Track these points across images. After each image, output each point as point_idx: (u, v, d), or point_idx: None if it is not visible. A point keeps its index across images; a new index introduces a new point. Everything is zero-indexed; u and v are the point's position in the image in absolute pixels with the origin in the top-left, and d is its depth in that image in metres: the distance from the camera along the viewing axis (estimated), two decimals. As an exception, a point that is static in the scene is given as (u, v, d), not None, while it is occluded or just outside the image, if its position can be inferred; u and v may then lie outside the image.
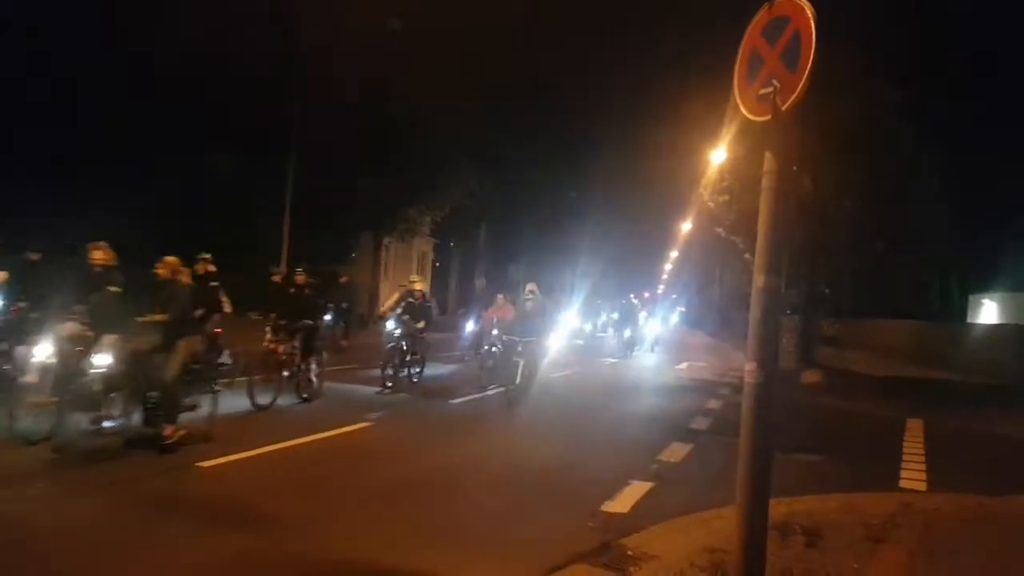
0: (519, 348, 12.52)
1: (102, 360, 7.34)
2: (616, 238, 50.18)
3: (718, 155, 20.68)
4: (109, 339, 7.47)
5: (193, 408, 8.10)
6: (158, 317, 7.69)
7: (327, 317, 18.83)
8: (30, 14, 19.27)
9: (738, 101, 4.14)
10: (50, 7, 19.64)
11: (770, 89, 3.87)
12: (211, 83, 21.61)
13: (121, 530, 5.36)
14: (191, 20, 20.02)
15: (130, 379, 7.49)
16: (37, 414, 7.38)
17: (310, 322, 11.31)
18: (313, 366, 11.34)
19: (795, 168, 4.19)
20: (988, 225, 31.26)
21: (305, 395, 11.11)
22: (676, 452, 9.22)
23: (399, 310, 13.46)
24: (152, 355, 7.74)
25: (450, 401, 12.51)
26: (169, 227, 21.27)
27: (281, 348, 10.85)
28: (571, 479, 7.60)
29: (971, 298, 35.46)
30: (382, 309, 13.76)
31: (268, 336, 11.03)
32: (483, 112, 30.38)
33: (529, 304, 13.26)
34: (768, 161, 3.98)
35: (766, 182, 3.99)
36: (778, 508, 5.40)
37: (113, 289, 8.00)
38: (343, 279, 20.32)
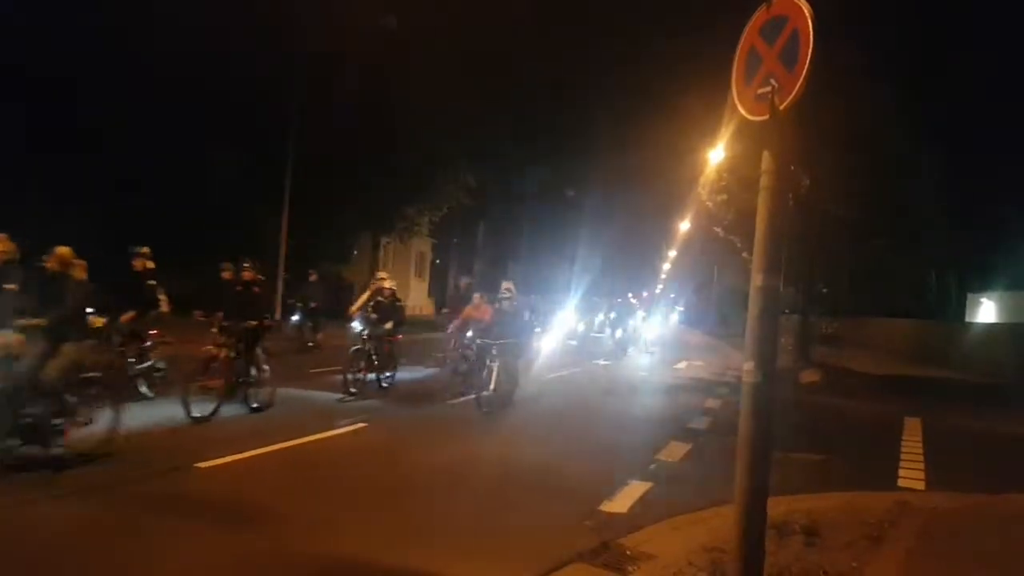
0: (493, 351, 11.56)
1: None
2: (615, 237, 50.23)
3: (716, 154, 20.72)
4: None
5: (87, 423, 7.06)
6: (35, 321, 6.65)
7: (294, 317, 18.81)
8: (29, 13, 19.25)
9: (736, 101, 4.14)
10: (49, 6, 19.62)
11: (768, 88, 3.87)
12: (210, 83, 21.58)
13: (121, 531, 5.35)
14: (191, 21, 20.00)
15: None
16: None
17: (254, 323, 10.04)
18: (261, 371, 10.23)
19: (793, 168, 4.19)
20: (986, 224, 31.25)
21: (255, 404, 10.05)
22: (674, 451, 9.23)
23: (368, 309, 12.59)
24: (33, 361, 6.71)
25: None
26: (168, 227, 21.25)
27: (223, 352, 9.70)
28: (569, 479, 7.60)
29: (969, 297, 35.44)
30: (352, 309, 12.80)
31: (214, 338, 9.91)
32: (481, 111, 30.39)
33: (506, 304, 12.50)
34: (766, 161, 3.98)
35: (764, 181, 3.99)
36: (776, 507, 5.40)
37: (8, 287, 7.05)
38: (312, 277, 19.25)
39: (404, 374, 13.65)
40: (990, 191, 29.19)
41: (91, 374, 7.29)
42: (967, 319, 33.91)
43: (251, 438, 8.23)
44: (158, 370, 10.47)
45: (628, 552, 5.29)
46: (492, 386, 11.28)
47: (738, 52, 4.15)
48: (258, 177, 24.10)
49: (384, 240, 33.39)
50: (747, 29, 4.12)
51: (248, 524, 5.69)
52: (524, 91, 34.96)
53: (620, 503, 6.75)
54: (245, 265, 10.41)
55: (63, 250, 7.17)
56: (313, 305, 18.50)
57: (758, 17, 4.07)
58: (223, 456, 7.36)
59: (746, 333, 4.09)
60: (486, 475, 7.73)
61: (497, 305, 12.71)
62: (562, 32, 33.23)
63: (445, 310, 25.48)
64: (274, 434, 8.45)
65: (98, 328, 8.68)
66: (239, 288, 10.40)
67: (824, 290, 25.81)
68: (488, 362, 11.53)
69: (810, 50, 3.72)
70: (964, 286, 35.42)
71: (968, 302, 35.33)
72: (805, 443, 9.61)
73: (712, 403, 13.80)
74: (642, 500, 6.89)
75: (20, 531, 5.22)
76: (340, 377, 11.74)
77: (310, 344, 18.05)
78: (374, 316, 12.43)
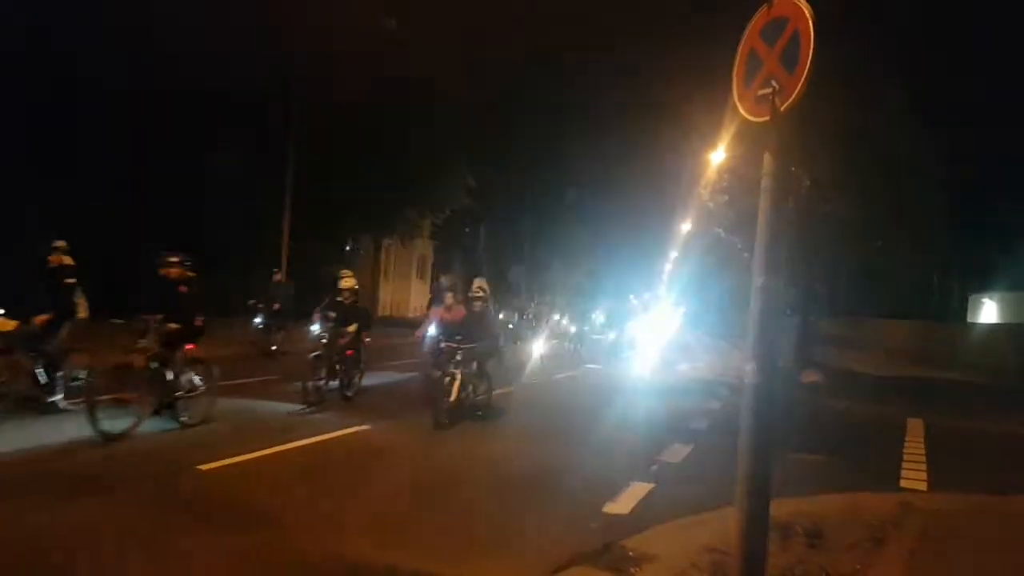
0: (457, 358, 10.42)
1: None
2: (616, 238, 50.23)
3: (717, 155, 20.74)
4: None
5: None
6: None
7: (256, 320, 17.24)
8: (29, 13, 19.28)
9: (737, 102, 4.15)
10: (49, 6, 19.65)
11: (769, 90, 3.87)
12: (210, 84, 21.59)
13: (123, 533, 5.34)
14: (191, 21, 20.00)
15: None
16: None
17: (175, 325, 8.71)
18: (194, 381, 9.14)
19: (794, 169, 4.21)
20: (988, 224, 31.26)
21: (184, 418, 8.86)
22: (676, 453, 9.22)
23: (327, 311, 11.68)
24: None
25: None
26: (169, 229, 21.27)
27: (140, 359, 8.49)
28: (570, 481, 7.59)
29: (971, 297, 35.45)
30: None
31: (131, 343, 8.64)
32: (482, 113, 30.43)
33: (477, 304, 11.20)
34: (767, 162, 3.99)
35: (765, 183, 3.99)
36: (779, 508, 5.40)
37: None
38: (276, 276, 17.95)
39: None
40: (992, 191, 29.20)
41: None
42: (969, 320, 33.92)
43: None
44: (76, 380, 9.36)
45: (631, 554, 5.29)
46: (452, 396, 10.13)
47: (738, 54, 4.16)
48: (259, 180, 24.13)
49: (386, 242, 33.44)
50: (748, 30, 4.13)
51: (249, 526, 5.69)
52: (525, 92, 35.01)
53: (622, 504, 6.75)
54: (171, 260, 9.02)
55: None
56: (276, 307, 17.30)
57: (759, 18, 4.07)
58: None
59: (747, 334, 4.09)
60: (487, 477, 7.73)
61: (467, 306, 11.59)
62: (563, 33, 33.25)
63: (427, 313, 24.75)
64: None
65: (6, 332, 8.25)
66: (166, 285, 8.99)
67: (825, 290, 25.78)
68: (450, 369, 10.39)
69: (811, 51, 3.72)
70: (966, 286, 35.43)
71: (970, 303, 35.33)
72: (807, 444, 9.60)
73: (713, 404, 13.79)
74: (644, 501, 6.88)
75: (21, 536, 5.20)
76: (299, 385, 10.77)
77: (274, 348, 16.93)
78: (332, 317, 11.51)
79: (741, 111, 4.10)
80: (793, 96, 3.78)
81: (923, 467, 9.03)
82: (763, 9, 4.04)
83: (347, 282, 12.03)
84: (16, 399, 8.90)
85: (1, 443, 7.42)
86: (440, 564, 5.12)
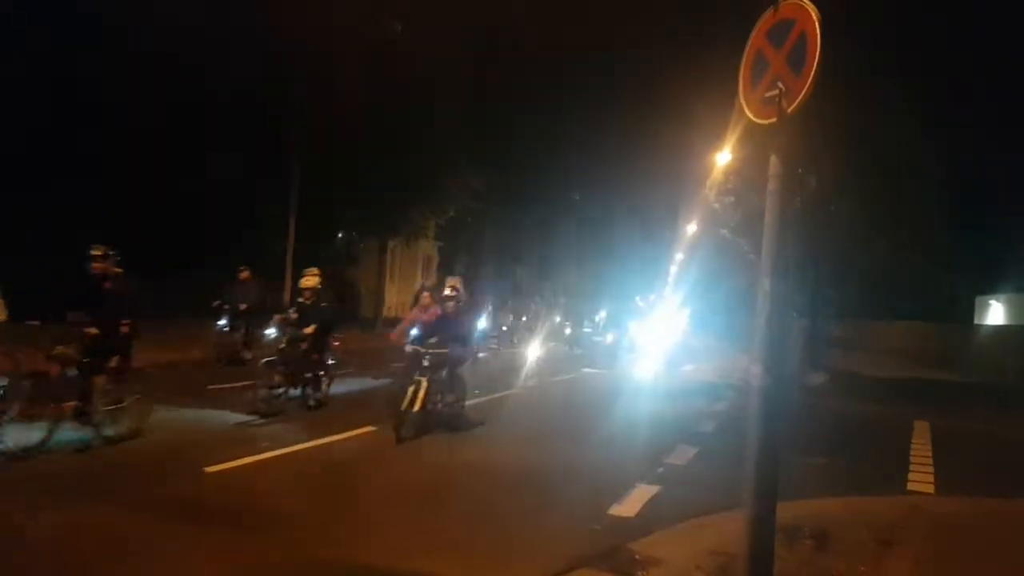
0: (424, 363, 9.57)
1: None
2: (622, 239, 50.16)
3: (723, 156, 20.72)
4: None
5: None
6: None
7: (220, 322, 15.55)
8: (28, 13, 19.35)
9: (743, 104, 4.13)
10: (49, 6, 19.72)
11: (775, 92, 3.86)
12: (213, 86, 21.64)
13: (133, 534, 5.36)
14: (190, 22, 20.03)
15: None
16: None
17: (94, 330, 7.74)
18: (121, 390, 8.16)
19: (800, 170, 4.19)
20: (995, 225, 31.16)
21: (109, 432, 7.91)
22: (683, 455, 9.20)
23: (291, 312, 10.92)
24: None
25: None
26: (173, 232, 21.32)
27: (56, 368, 7.63)
28: (576, 483, 7.58)
29: (978, 299, 35.29)
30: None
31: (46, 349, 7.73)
32: (486, 114, 30.43)
33: (449, 305, 10.37)
34: (773, 164, 3.97)
35: (772, 185, 3.98)
36: (785, 511, 5.38)
37: None
38: (242, 274, 15.82)
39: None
40: (998, 193, 29.11)
41: None
42: (976, 321, 33.77)
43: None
44: None
45: (636, 556, 5.28)
46: (416, 406, 9.18)
47: (745, 55, 4.15)
48: (264, 181, 24.16)
49: (390, 243, 33.46)
50: (754, 32, 4.12)
51: (257, 529, 5.69)
52: (529, 94, 35.00)
53: (628, 507, 6.74)
54: (94, 254, 8.00)
55: None
56: (243, 308, 15.33)
57: (765, 20, 4.06)
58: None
59: (754, 336, 4.08)
60: (493, 479, 7.72)
61: (441, 307, 10.66)
62: (568, 34, 33.23)
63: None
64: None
65: None
66: (90, 283, 8.05)
67: (831, 293, 25.73)
68: (415, 375, 9.45)
69: (818, 53, 3.71)
70: (973, 288, 35.27)
71: (977, 304, 35.17)
72: (814, 446, 9.58)
73: (719, 406, 13.76)
74: (650, 504, 6.87)
75: (31, 537, 5.23)
76: (255, 393, 9.93)
77: (248, 355, 15.05)
78: (294, 318, 10.71)
79: (747, 113, 4.09)
80: (800, 98, 3.77)
81: (930, 470, 9.00)
82: (770, 11, 4.03)
83: (307, 280, 11.09)
84: None
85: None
86: (445, 565, 5.12)
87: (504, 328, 25.84)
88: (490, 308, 26.89)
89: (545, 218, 45.18)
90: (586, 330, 29.69)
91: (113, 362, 8.02)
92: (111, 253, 8.07)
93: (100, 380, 7.86)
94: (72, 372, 7.74)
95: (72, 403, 7.66)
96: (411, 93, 25.75)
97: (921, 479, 8.54)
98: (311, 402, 10.71)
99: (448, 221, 34.03)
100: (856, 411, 15.13)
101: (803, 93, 3.76)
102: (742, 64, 4.15)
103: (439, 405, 9.88)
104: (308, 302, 10.88)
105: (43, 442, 7.19)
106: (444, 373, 9.95)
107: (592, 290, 43.48)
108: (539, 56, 32.81)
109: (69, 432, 7.58)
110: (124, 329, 8.04)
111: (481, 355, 13.28)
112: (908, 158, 20.75)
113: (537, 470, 8.15)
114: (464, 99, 27.94)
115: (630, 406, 13.68)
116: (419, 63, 25.21)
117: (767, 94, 3.93)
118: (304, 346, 10.51)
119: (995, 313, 33.39)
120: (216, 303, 15.58)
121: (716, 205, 24.07)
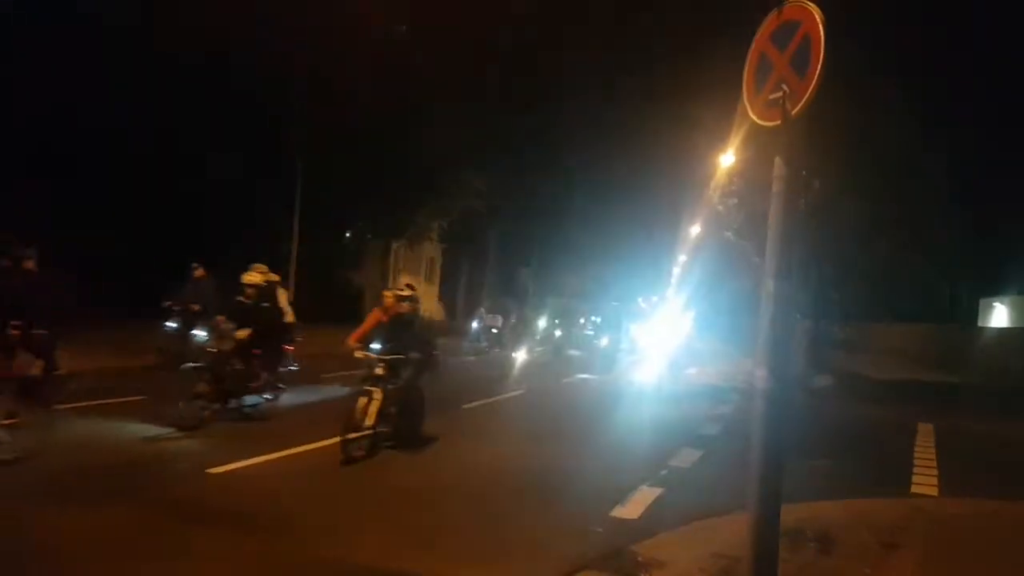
0: (377, 371, 8.47)
1: None
2: (625, 241, 50.11)
3: (727, 158, 20.70)
4: None
5: None
6: None
7: (171, 324, 13.94)
8: (29, 13, 19.42)
9: (747, 107, 4.13)
10: (49, 6, 19.78)
11: (779, 94, 3.86)
12: (217, 87, 21.68)
13: (137, 535, 5.37)
14: (191, 23, 20.06)
15: None
16: None
17: None
18: (18, 403, 7.03)
19: (804, 173, 4.19)
20: (998, 227, 31.10)
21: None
22: (686, 458, 9.20)
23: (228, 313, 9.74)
24: None
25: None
26: (174, 235, 21.34)
27: None
28: (580, 485, 7.58)
29: (981, 301, 35.22)
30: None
31: None
32: (490, 115, 30.43)
33: (404, 306, 9.25)
34: (778, 167, 3.97)
35: (776, 187, 3.97)
36: (789, 514, 5.38)
37: None
38: (197, 272, 14.31)
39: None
40: (1002, 194, 29.04)
41: None
42: (979, 323, 33.70)
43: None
44: None
45: (640, 559, 5.28)
46: (368, 420, 8.15)
47: (748, 58, 4.14)
48: (265, 181, 24.18)
49: (395, 246, 33.50)
50: (758, 35, 4.12)
51: (260, 530, 5.70)
52: (533, 95, 34.99)
53: (632, 509, 6.74)
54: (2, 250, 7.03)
55: None
56: (195, 308, 13.61)
57: (769, 23, 4.06)
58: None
59: (758, 339, 4.08)
60: (495, 482, 7.72)
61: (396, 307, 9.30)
62: (571, 36, 33.24)
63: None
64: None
65: None
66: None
67: (835, 295, 25.70)
68: (365, 386, 8.37)
69: (822, 56, 3.71)
70: (976, 290, 35.21)
71: (980, 306, 35.10)
72: (818, 449, 9.56)
73: (724, 409, 13.75)
74: (654, 506, 6.87)
75: (37, 538, 5.22)
76: (178, 404, 8.75)
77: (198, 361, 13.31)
78: (226, 322, 9.57)
79: (751, 116, 4.09)
80: (804, 100, 3.77)
81: (934, 472, 8.99)
82: (773, 13, 4.03)
83: (250, 276, 9.87)
84: None
85: None
86: (447, 567, 5.13)
87: (494, 331, 25.59)
88: (481, 310, 26.85)
89: (549, 220, 45.15)
90: (588, 332, 29.38)
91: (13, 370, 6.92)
92: (27, 248, 7.10)
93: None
94: None
95: None
96: (412, 93, 25.78)
97: (925, 481, 8.53)
98: (247, 411, 9.61)
99: (451, 223, 34.06)
100: (859, 413, 15.11)
101: (807, 95, 3.75)
102: (746, 66, 4.15)
103: (391, 420, 8.57)
104: (249, 301, 9.70)
105: None
106: (400, 382, 8.70)
107: (591, 291, 43.39)
108: (540, 56, 32.80)
109: None
110: (39, 334, 7.01)
111: (470, 358, 12.97)
112: (909, 158, 20.72)
113: (542, 471, 8.16)
114: (465, 99, 27.94)
115: (636, 408, 13.67)
116: (420, 63, 25.24)
117: (771, 96, 3.92)
118: (231, 349, 9.28)
119: (999, 315, 33.33)
120: (167, 303, 14.09)
121: (720, 207, 24.04)
